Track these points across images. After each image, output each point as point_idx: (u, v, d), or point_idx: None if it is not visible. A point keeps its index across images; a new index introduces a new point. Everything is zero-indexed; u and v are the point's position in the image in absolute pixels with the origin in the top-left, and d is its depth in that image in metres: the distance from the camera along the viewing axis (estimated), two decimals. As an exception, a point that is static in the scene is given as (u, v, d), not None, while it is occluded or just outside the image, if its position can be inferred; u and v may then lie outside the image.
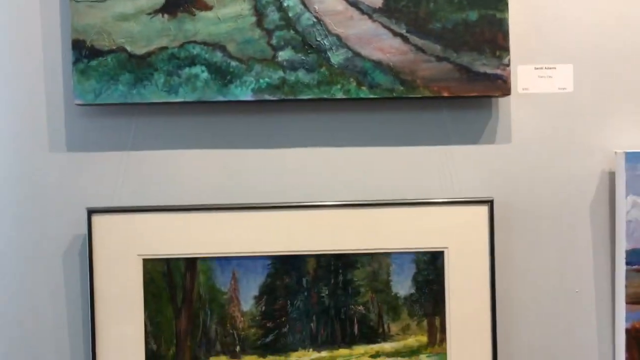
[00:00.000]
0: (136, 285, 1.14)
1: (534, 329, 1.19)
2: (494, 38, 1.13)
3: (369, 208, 1.15)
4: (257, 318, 1.16)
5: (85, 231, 1.14)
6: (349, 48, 1.12)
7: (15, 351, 1.18)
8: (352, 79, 1.13)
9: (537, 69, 1.19)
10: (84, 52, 1.11)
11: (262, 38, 1.12)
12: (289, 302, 1.16)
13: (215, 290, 1.16)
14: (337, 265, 1.16)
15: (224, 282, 1.16)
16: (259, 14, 1.12)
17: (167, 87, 1.12)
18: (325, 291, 1.16)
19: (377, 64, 1.13)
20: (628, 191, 1.14)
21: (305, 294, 1.16)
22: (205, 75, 1.12)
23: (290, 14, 1.12)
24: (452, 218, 1.15)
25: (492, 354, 1.15)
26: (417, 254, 1.16)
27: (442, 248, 1.16)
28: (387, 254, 1.16)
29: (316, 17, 1.12)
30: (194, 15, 1.12)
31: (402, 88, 1.13)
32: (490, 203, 1.15)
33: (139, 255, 1.14)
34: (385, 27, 1.12)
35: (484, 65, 1.13)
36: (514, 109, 1.18)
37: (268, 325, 1.16)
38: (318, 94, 1.13)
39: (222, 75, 1.12)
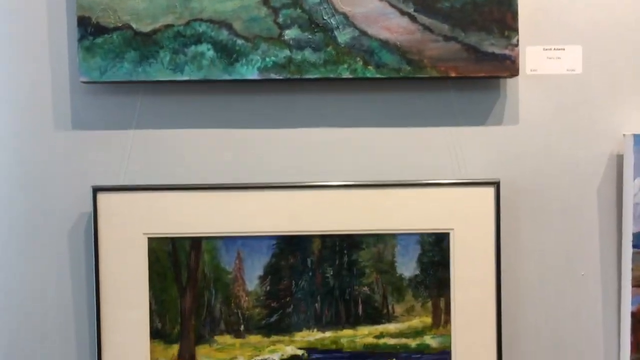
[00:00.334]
0: (141, 264, 1.15)
1: (540, 311, 1.19)
2: (502, 18, 1.11)
3: (375, 189, 1.15)
4: (261, 298, 1.16)
5: (91, 209, 1.14)
6: (355, 27, 1.12)
7: (21, 329, 1.18)
8: (358, 59, 1.12)
9: (545, 50, 1.17)
10: (89, 29, 1.11)
11: (268, 16, 1.11)
12: (293, 282, 1.16)
13: (220, 269, 1.16)
14: (342, 246, 1.16)
15: (229, 261, 1.16)
16: (266, -9, 1.11)
17: (172, 65, 1.11)
18: (330, 272, 1.16)
19: (384, 44, 1.12)
20: (636, 174, 1.14)
21: (310, 274, 1.16)
22: (211, 53, 1.11)
23: (297, -8, 1.11)
24: (458, 199, 1.15)
25: (496, 335, 1.15)
26: (423, 235, 1.16)
27: (448, 229, 1.15)
28: (392, 235, 1.16)
29: (323, -5, 1.11)
30: (200, -8, 1.11)
31: (409, 68, 1.12)
32: (496, 185, 1.14)
33: (144, 233, 1.14)
34: (392, 5, 1.11)
35: (492, 46, 1.12)
36: (521, 90, 1.17)
37: (272, 305, 1.16)
38: (324, 73, 1.12)
39: (228, 53, 1.11)
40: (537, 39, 1.17)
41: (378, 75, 1.12)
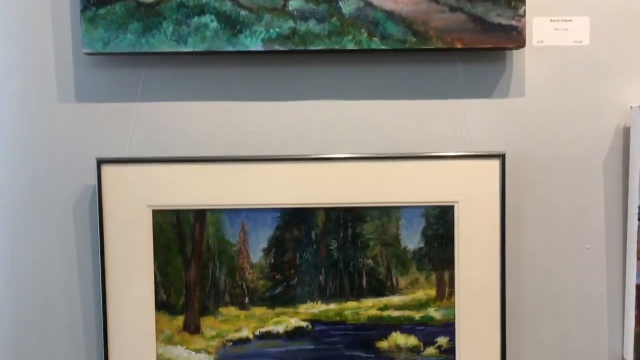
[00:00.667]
0: (146, 236, 1.15)
1: (544, 284, 1.19)
2: (509, -12, 1.10)
3: (379, 161, 1.14)
4: (265, 270, 1.16)
5: (95, 182, 1.14)
6: (360, -3, 1.11)
7: (27, 302, 1.19)
8: (363, 30, 1.11)
9: (552, 21, 1.16)
10: (92, 0, 1.10)
11: (272, -14, 1.10)
12: (297, 254, 1.16)
13: (225, 242, 1.16)
14: (347, 219, 1.16)
15: (233, 234, 1.16)
16: (270, -39, 1.10)
17: (175, 37, 1.11)
18: (334, 244, 1.16)
19: (389, 14, 1.10)
20: (643, 146, 1.13)
21: (314, 246, 1.16)
22: (214, 24, 1.10)
23: (301, -38, 1.10)
24: (463, 172, 1.14)
25: (500, 308, 1.15)
26: (427, 208, 1.15)
27: (453, 202, 1.15)
28: (397, 208, 1.15)
29: (328, -34, 1.10)
30: (203, -38, 1.10)
31: (414, 39, 1.11)
32: (502, 157, 1.14)
33: (148, 206, 1.15)
34: (398, -25, 1.10)
35: (498, 16, 1.10)
36: (528, 61, 1.16)
37: (277, 277, 1.16)
38: (329, 44, 1.11)
39: (232, 24, 1.10)
40: (544, 10, 1.15)
41: (383, 47, 1.11)
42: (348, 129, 1.17)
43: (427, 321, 1.16)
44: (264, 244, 1.16)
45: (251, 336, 1.17)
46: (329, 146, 1.17)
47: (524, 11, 1.11)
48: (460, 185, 1.14)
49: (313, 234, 1.16)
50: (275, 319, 1.17)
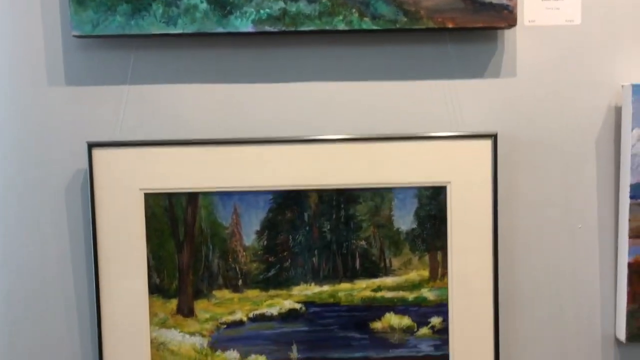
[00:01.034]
0: (138, 220, 1.14)
1: (537, 264, 1.19)
2: (500, -34, 1.10)
3: (371, 142, 1.14)
4: (259, 252, 1.16)
5: (86, 165, 1.13)
6: (351, -23, 1.10)
7: (19, 285, 1.18)
8: (354, 10, 1.10)
9: (544, 0, 1.16)
10: (80, -18, 1.09)
11: (262, -33, 1.10)
12: (290, 237, 1.16)
13: (217, 224, 1.16)
14: (339, 200, 1.16)
15: (226, 216, 1.15)
16: (259, -58, 1.09)
17: (165, 18, 1.10)
18: (327, 226, 1.16)
19: (380, -6, 1.10)
20: (634, 124, 1.13)
21: (307, 228, 1.16)
22: (204, 5, 1.10)
23: (291, -58, 1.09)
24: (456, 152, 1.14)
25: (493, 288, 1.15)
26: (420, 188, 1.15)
27: (445, 183, 1.15)
28: (389, 189, 1.15)
29: (318, -55, 1.09)
30: (193, -57, 1.09)
31: (405, 19, 1.10)
32: (494, 137, 1.14)
33: (140, 189, 1.14)
34: (388, -45, 1.09)
35: (489, -5, 1.10)
36: (519, 41, 1.16)
37: (270, 259, 1.16)
38: (320, 25, 1.10)
39: (222, 5, 1.10)
40: (535, -12, 1.15)
41: (374, 27, 1.11)
42: (339, 110, 1.17)
43: (420, 302, 1.17)
44: (257, 227, 1.16)
45: (245, 319, 1.17)
46: (321, 128, 1.16)
47: (515, -10, 1.10)
48: (453, 165, 1.14)
49: (306, 216, 1.16)
50: (269, 302, 1.17)
